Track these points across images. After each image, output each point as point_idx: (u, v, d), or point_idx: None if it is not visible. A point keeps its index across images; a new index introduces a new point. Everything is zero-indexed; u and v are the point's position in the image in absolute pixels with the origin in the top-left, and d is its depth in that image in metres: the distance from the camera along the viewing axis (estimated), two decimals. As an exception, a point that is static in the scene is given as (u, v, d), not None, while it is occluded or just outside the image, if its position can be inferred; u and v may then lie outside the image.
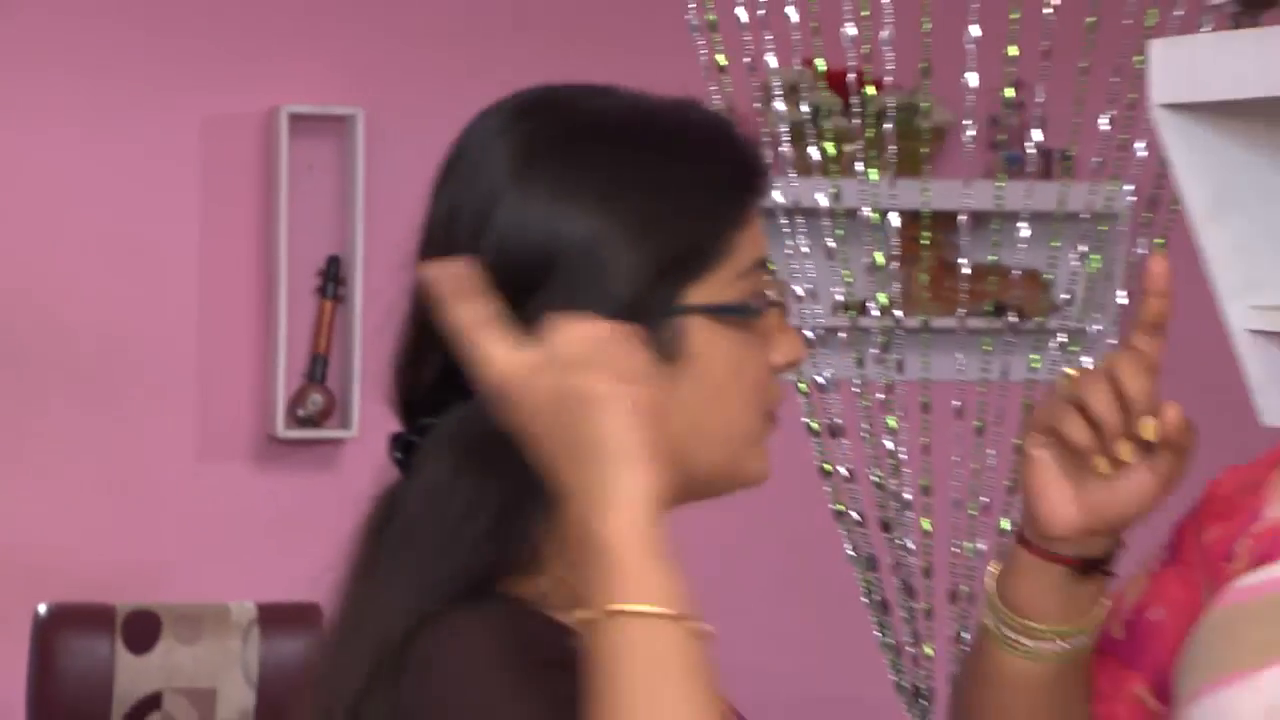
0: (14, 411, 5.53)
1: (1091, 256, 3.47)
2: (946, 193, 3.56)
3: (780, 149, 3.56)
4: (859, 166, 3.61)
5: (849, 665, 4.82)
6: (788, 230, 3.55)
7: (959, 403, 3.41)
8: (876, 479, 3.43)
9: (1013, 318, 3.63)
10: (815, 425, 3.43)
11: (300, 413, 5.29)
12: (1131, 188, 3.51)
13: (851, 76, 3.78)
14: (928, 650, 3.46)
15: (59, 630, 4.79)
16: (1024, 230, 3.58)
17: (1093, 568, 1.89)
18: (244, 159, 5.61)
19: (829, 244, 3.50)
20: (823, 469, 3.43)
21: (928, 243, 3.61)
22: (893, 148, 3.59)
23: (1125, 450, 1.79)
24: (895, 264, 3.59)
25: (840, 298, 3.62)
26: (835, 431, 3.43)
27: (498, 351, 1.69)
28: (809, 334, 3.54)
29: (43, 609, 4.77)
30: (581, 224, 1.72)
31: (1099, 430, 1.80)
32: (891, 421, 3.41)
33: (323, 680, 1.83)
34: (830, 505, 3.43)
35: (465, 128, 1.78)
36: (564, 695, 1.71)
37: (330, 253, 5.35)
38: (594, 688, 1.64)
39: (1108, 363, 1.81)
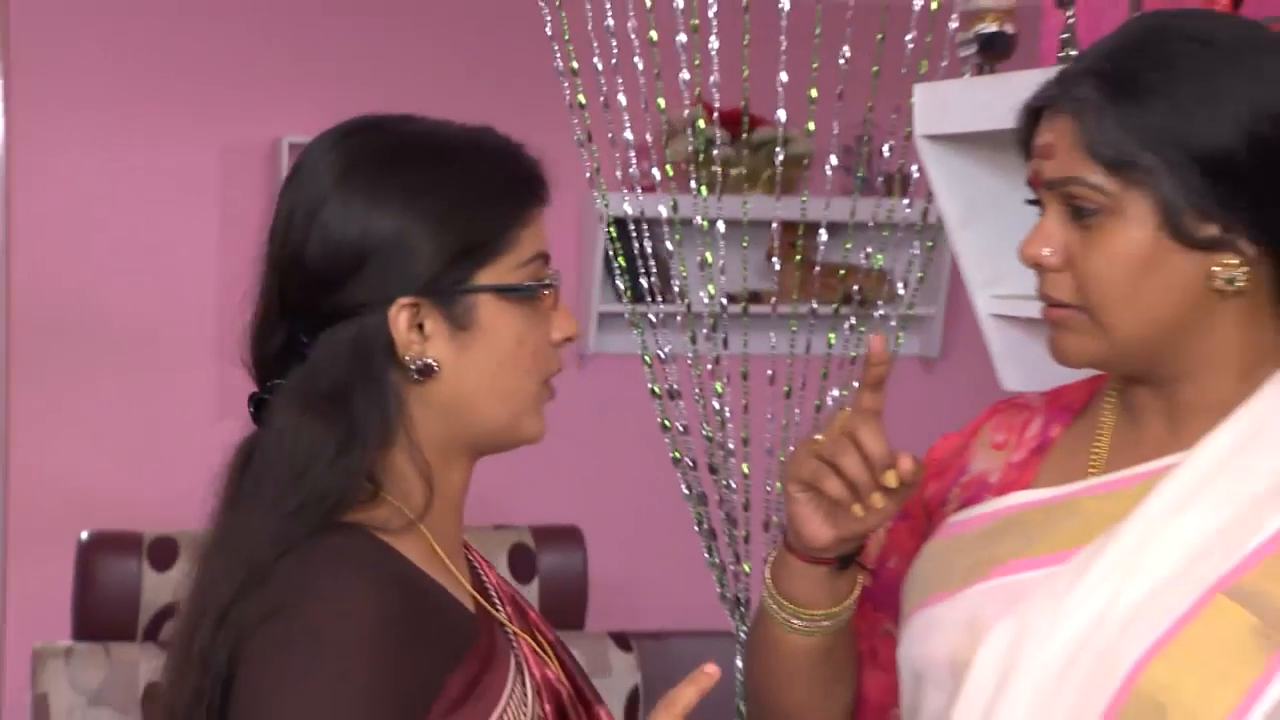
0: (63, 381, 5.67)
1: (876, 256, 3.51)
2: (814, 206, 3.61)
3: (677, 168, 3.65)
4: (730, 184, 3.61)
5: (685, 579, 4.94)
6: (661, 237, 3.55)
7: (771, 371, 3.47)
8: (706, 433, 3.48)
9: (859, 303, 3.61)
10: (658, 390, 3.48)
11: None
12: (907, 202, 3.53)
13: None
14: (746, 568, 3.53)
15: (97, 553, 4.88)
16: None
17: (847, 563, 1.95)
18: (255, 180, 5.71)
19: (668, 246, 3.49)
20: (663, 425, 3.48)
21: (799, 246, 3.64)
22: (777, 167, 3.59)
23: (877, 499, 1.84)
24: (774, 261, 3.65)
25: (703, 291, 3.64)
26: (673, 395, 3.48)
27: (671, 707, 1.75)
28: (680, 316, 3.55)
29: (84, 535, 4.88)
30: (390, 221, 1.80)
31: (853, 487, 1.84)
32: (718, 387, 3.46)
33: (198, 591, 1.84)
34: (670, 453, 3.49)
35: (305, 146, 1.86)
36: (401, 654, 1.76)
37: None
38: None
39: (848, 426, 1.84)
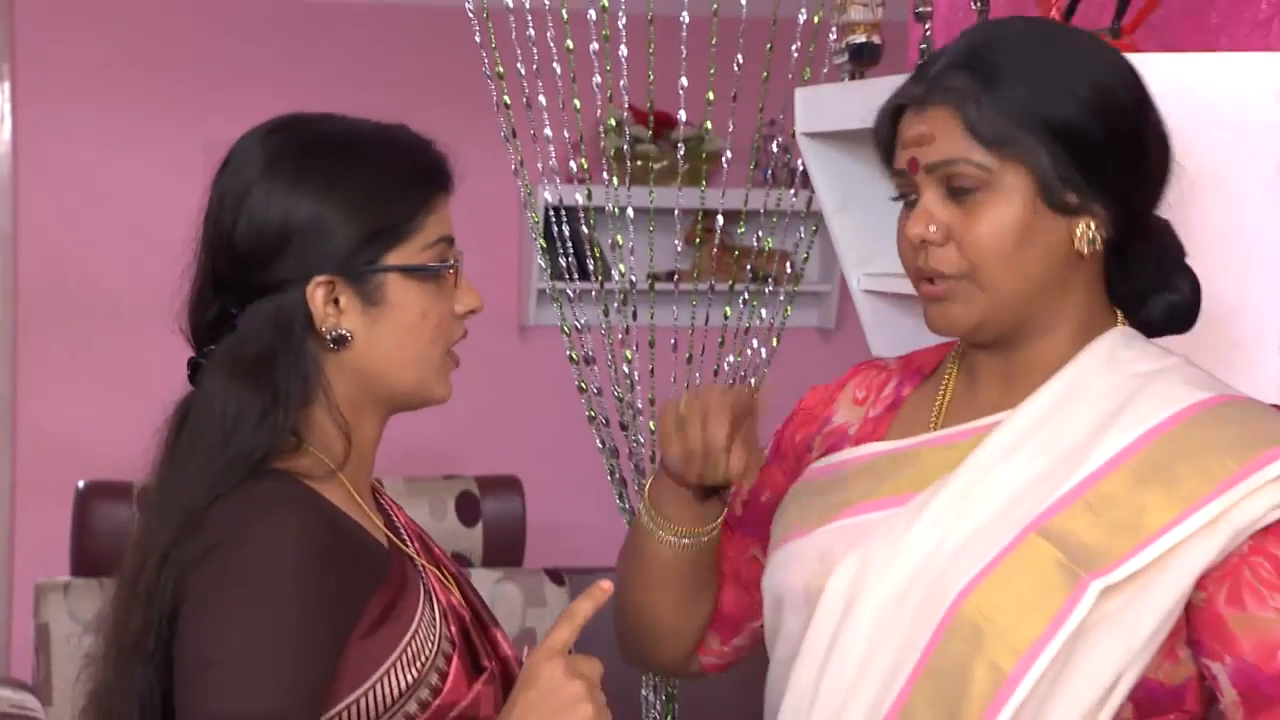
0: (64, 348, 5.65)
1: (767, 239, 3.48)
2: (731, 196, 3.58)
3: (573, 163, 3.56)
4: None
5: (600, 521, 4.87)
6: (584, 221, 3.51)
7: (674, 340, 3.46)
8: (617, 394, 3.47)
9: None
10: (575, 356, 3.46)
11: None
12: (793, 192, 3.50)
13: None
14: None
15: (93, 499, 4.86)
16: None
17: (712, 493, 2.00)
18: None
19: (583, 229, 3.47)
20: (580, 387, 3.46)
21: (710, 230, 3.58)
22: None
23: (709, 475, 1.91)
24: (681, 244, 3.67)
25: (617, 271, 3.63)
26: (589, 360, 3.46)
27: (559, 638, 1.74)
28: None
29: (81, 484, 4.86)
30: (309, 206, 1.80)
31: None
32: (628, 354, 3.45)
33: (141, 535, 1.85)
34: (585, 412, 3.48)
35: (236, 141, 1.87)
36: (325, 573, 1.76)
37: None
38: None
39: (704, 403, 1.89)
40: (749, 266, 3.52)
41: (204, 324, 1.89)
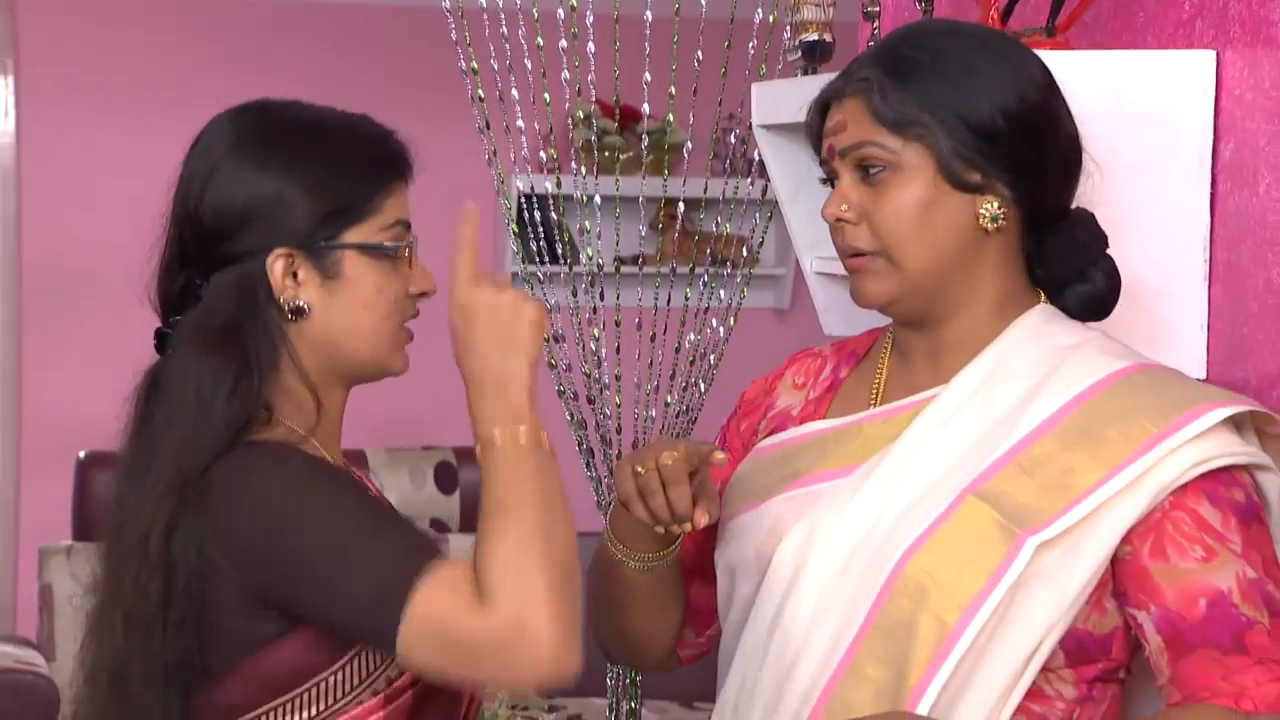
0: (66, 326, 5.63)
1: (725, 223, 3.47)
2: (692, 185, 3.56)
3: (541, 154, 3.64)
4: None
5: (569, 490, 4.92)
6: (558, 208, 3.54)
7: (639, 320, 3.47)
8: (585, 370, 3.47)
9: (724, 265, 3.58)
10: (545, 335, 3.51)
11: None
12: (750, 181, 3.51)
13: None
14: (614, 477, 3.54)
15: (93, 469, 4.91)
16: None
17: None
18: None
19: (553, 217, 3.50)
20: (550, 364, 3.46)
21: (674, 217, 3.53)
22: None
23: (674, 531, 1.88)
24: (645, 230, 3.69)
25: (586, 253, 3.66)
26: (558, 339, 3.46)
27: (466, 267, 1.74)
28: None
29: (82, 454, 4.91)
30: (272, 184, 1.79)
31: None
32: (595, 332, 3.45)
33: (131, 503, 1.79)
34: (555, 387, 3.48)
35: (208, 122, 1.86)
36: (347, 482, 1.76)
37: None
38: (494, 482, 1.68)
39: (666, 476, 1.85)
40: (709, 250, 3.53)
41: (171, 295, 1.87)
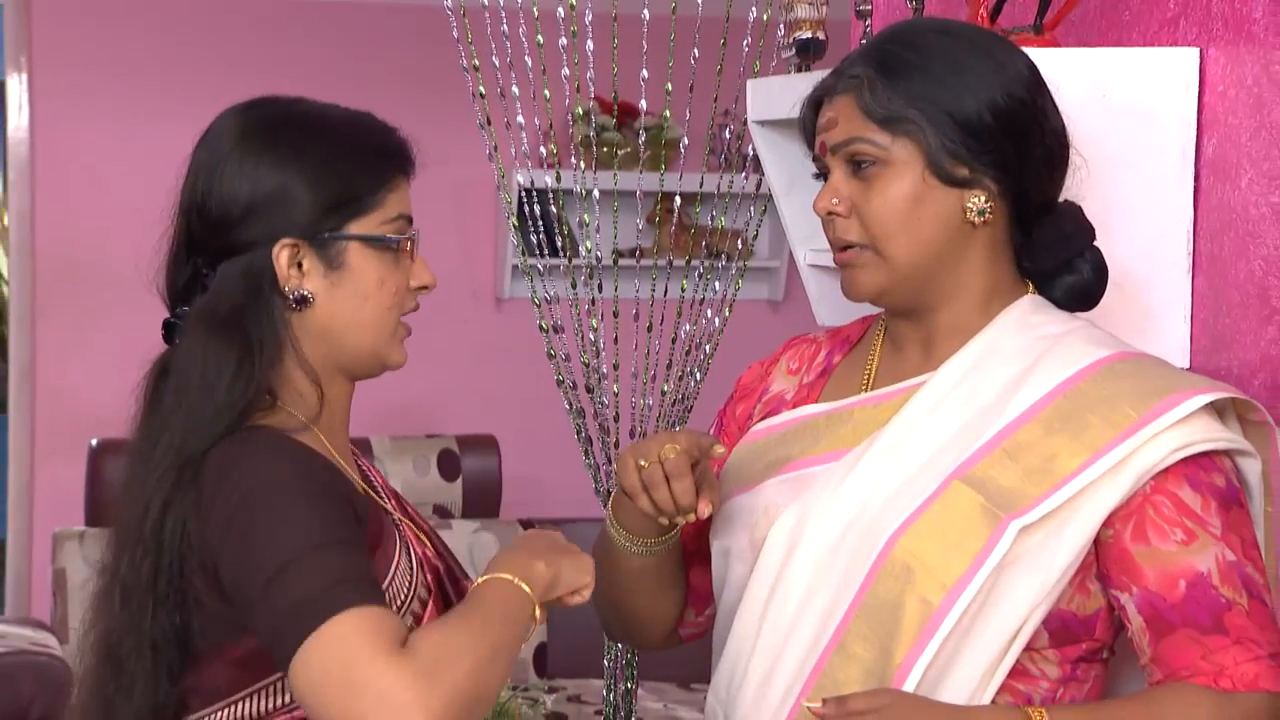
0: (78, 317, 5.62)
1: (720, 216, 3.48)
2: (688, 179, 3.57)
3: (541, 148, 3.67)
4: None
5: (568, 477, 4.94)
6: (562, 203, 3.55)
7: (636, 311, 3.47)
8: (584, 360, 3.47)
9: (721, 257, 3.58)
10: (544, 325, 3.45)
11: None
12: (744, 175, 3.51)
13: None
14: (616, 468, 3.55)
15: (105, 456, 4.90)
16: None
17: None
18: None
19: (552, 210, 3.48)
20: (550, 354, 3.45)
21: (671, 210, 3.52)
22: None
23: (678, 521, 1.87)
24: (643, 223, 3.70)
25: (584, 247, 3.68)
26: (557, 329, 3.45)
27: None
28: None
29: (95, 442, 4.89)
30: (278, 176, 1.78)
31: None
32: (594, 323, 3.45)
33: (136, 484, 1.80)
34: (555, 377, 3.47)
35: (216, 117, 1.86)
36: (329, 492, 1.74)
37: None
38: (485, 598, 1.72)
39: (670, 470, 1.84)
40: (704, 244, 3.52)
41: (179, 285, 1.87)
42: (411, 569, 1.84)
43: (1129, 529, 1.80)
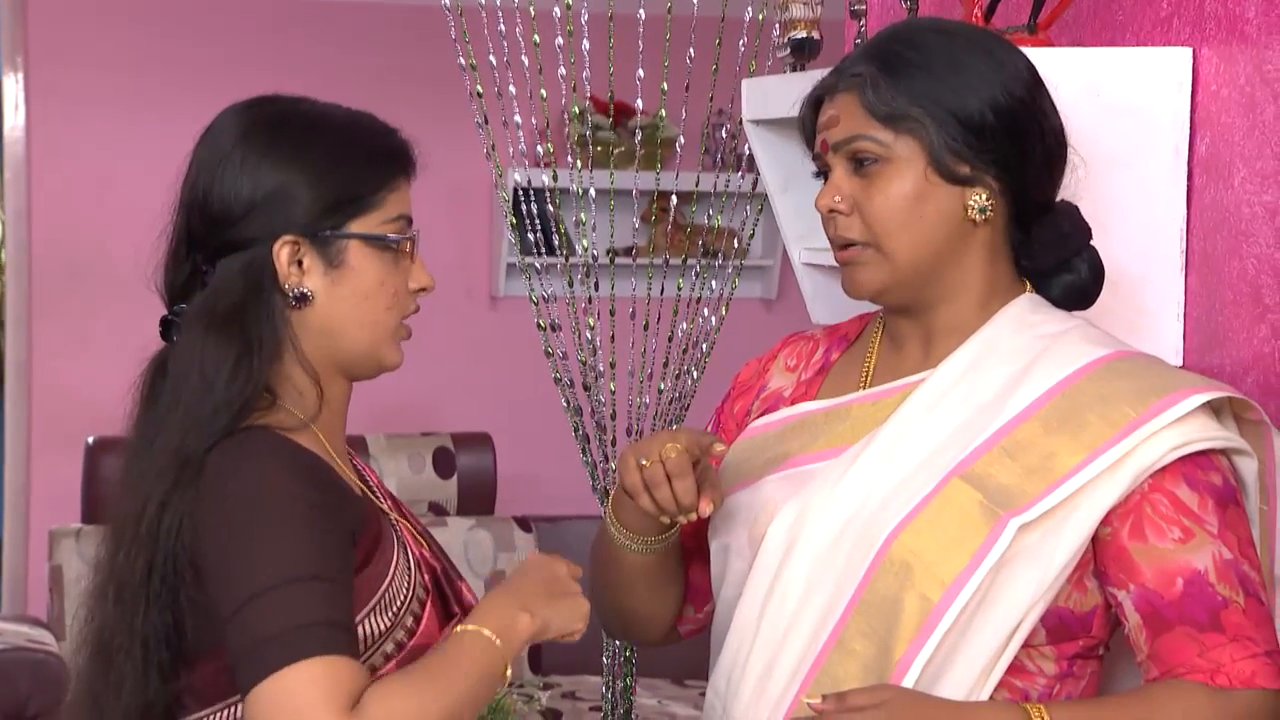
0: (74, 315, 5.62)
1: (716, 215, 3.49)
2: (680, 179, 3.57)
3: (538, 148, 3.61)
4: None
5: (564, 474, 4.94)
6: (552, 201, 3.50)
7: (632, 309, 3.48)
8: (581, 358, 3.47)
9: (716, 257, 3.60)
10: (542, 323, 3.46)
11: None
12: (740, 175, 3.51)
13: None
14: (614, 465, 3.51)
15: (101, 453, 4.89)
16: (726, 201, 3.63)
17: None
18: None
19: (549, 209, 3.45)
20: (547, 352, 3.46)
21: (664, 209, 3.64)
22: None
23: (680, 520, 1.86)
24: (635, 222, 3.69)
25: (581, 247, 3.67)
26: (554, 327, 3.46)
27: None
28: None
29: (91, 439, 4.88)
30: (279, 174, 1.78)
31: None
32: (591, 321, 3.45)
33: (134, 481, 1.79)
34: (552, 375, 3.48)
35: (217, 115, 1.85)
36: (323, 508, 1.74)
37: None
38: (452, 654, 1.71)
39: (671, 469, 1.83)
40: (700, 242, 3.53)
41: (177, 283, 1.86)
42: (409, 569, 1.83)
43: (1127, 527, 1.80)
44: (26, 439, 5.74)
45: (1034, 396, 1.84)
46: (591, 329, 3.46)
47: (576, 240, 3.47)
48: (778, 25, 2.93)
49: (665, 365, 3.50)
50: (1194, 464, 1.81)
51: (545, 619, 1.77)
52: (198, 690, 1.79)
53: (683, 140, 3.46)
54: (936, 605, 1.78)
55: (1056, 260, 1.92)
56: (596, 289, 3.46)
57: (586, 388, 3.48)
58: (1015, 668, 1.82)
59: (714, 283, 3.54)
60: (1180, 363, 2.24)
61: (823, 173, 1.92)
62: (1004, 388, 1.85)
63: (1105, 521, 1.81)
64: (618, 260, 3.55)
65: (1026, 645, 1.82)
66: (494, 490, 5.32)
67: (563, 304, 3.52)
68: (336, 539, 1.73)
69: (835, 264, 2.75)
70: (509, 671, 1.75)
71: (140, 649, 1.77)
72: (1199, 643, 1.77)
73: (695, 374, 3.51)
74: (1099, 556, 1.82)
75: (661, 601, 2.04)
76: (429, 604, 1.84)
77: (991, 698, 1.81)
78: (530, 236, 3.51)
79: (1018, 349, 1.87)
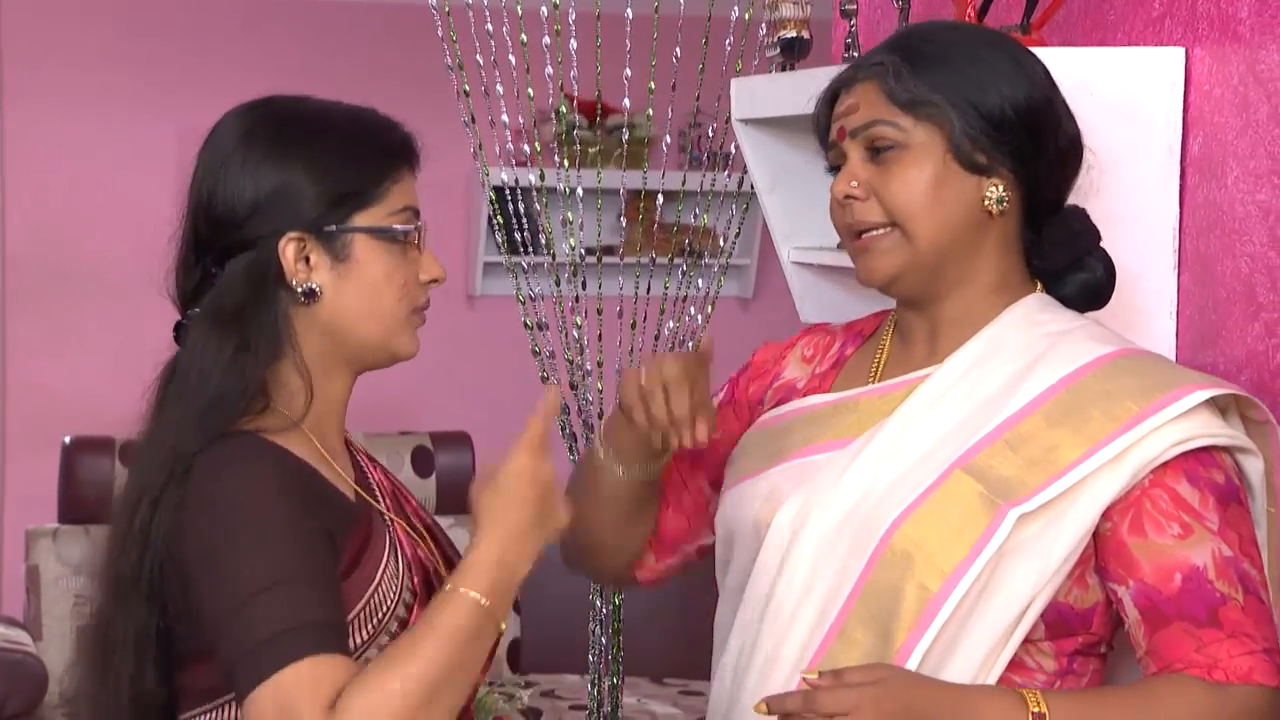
0: (50, 314, 5.62)
1: (703, 214, 3.50)
2: (665, 179, 3.57)
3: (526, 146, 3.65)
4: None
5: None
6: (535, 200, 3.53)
7: (619, 308, 3.49)
8: (568, 357, 3.48)
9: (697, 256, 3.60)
10: (529, 322, 3.47)
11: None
12: (727, 174, 3.54)
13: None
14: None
15: (78, 453, 4.88)
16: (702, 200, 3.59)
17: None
18: None
19: (537, 208, 3.47)
20: (534, 351, 3.47)
21: (644, 208, 3.58)
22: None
23: (672, 441, 1.88)
24: (622, 220, 3.71)
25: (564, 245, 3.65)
26: (542, 326, 3.48)
27: (533, 443, 1.78)
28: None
29: (68, 439, 4.87)
30: (282, 172, 1.79)
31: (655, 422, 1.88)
32: (578, 320, 3.47)
33: (134, 479, 1.82)
34: (540, 374, 3.49)
35: (219, 118, 1.85)
36: (303, 511, 1.74)
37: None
38: (434, 622, 1.69)
39: (664, 377, 1.87)
40: (688, 242, 3.54)
41: (189, 288, 1.87)
42: (398, 574, 1.83)
43: (1126, 522, 1.81)
44: (2, 438, 5.72)
45: (1039, 390, 1.85)
46: (579, 328, 3.48)
47: (563, 239, 3.46)
48: (764, 25, 2.94)
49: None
50: (1196, 460, 1.82)
51: (534, 549, 1.75)
52: (196, 689, 1.80)
53: (669, 140, 3.47)
54: (935, 595, 1.80)
55: (1069, 259, 1.94)
56: (584, 288, 3.48)
57: (574, 387, 3.49)
58: (1014, 664, 1.84)
59: (701, 281, 3.55)
60: (1173, 361, 2.25)
61: (835, 166, 1.94)
62: (1009, 383, 1.87)
63: (1105, 516, 1.82)
64: (602, 259, 3.55)
65: (1026, 641, 1.83)
66: (472, 489, 5.33)
67: (549, 303, 3.54)
68: (318, 540, 1.74)
69: (823, 263, 2.88)
70: (504, 625, 1.74)
71: (133, 646, 1.79)
72: (1196, 638, 1.78)
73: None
74: (1100, 552, 1.83)
75: (628, 536, 2.06)
76: (416, 607, 1.83)
77: (992, 692, 1.81)
78: (516, 236, 3.51)
79: (1023, 346, 1.89)
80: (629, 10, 3.30)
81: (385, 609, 1.81)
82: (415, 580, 1.85)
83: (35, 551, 4.91)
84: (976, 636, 1.81)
